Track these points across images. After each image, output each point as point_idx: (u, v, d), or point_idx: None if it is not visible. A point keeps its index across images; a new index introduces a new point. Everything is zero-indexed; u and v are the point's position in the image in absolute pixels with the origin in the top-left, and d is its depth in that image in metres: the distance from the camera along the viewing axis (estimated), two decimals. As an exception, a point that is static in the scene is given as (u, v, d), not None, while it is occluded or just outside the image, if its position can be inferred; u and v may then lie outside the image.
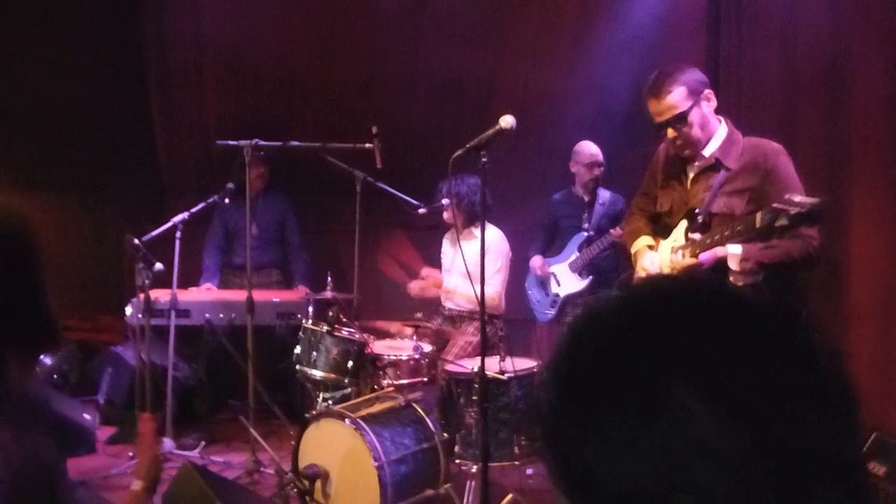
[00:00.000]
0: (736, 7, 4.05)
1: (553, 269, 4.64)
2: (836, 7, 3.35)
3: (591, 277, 4.51)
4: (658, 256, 2.83)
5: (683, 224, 2.72)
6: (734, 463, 0.56)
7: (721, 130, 2.71)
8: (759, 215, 2.31)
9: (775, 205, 2.25)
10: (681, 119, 2.62)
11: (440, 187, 4.20)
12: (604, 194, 4.57)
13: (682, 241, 2.70)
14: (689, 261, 2.56)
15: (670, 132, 2.66)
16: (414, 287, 4.41)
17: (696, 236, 2.58)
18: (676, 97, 2.62)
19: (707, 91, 2.66)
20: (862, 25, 3.19)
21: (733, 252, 2.48)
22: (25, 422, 1.11)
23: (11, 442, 1.07)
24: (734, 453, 0.56)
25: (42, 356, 3.90)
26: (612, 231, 4.31)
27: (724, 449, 0.56)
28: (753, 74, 3.86)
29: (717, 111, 2.73)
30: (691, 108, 2.61)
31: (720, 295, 0.65)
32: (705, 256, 2.52)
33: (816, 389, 0.59)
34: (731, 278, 2.54)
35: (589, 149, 4.58)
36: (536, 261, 4.68)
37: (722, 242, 2.47)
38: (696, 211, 2.65)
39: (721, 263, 2.51)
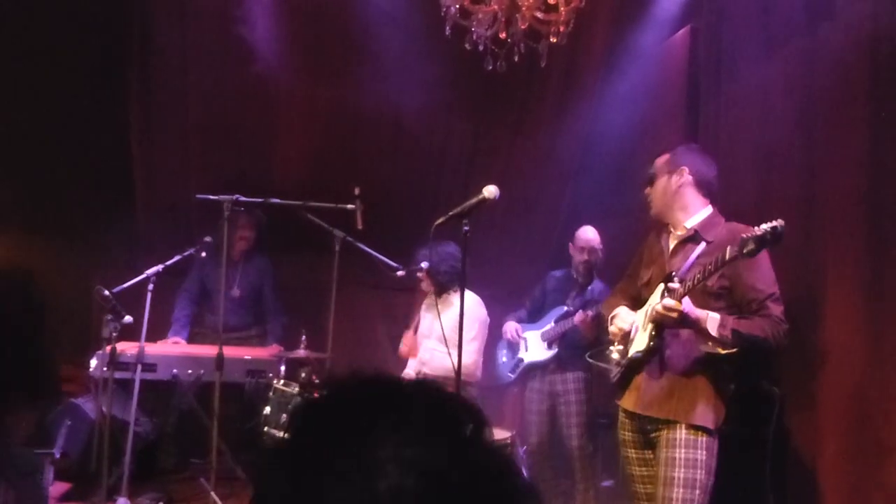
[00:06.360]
0: (715, 92, 4.21)
1: (526, 334, 4.55)
2: (810, 94, 3.49)
3: (556, 350, 4.42)
4: (630, 315, 2.87)
5: (660, 288, 2.71)
6: None
7: (705, 211, 2.82)
8: (728, 249, 2.43)
9: (743, 235, 2.38)
10: (651, 178, 2.95)
11: (419, 251, 4.20)
12: (598, 285, 4.45)
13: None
14: (674, 303, 2.53)
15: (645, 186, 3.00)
16: (403, 349, 4.43)
17: (676, 284, 2.59)
18: (659, 161, 2.97)
19: (681, 168, 2.82)
20: (834, 115, 3.31)
21: (713, 317, 2.55)
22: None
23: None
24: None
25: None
26: (578, 314, 4.24)
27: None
28: (728, 158, 3.98)
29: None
30: (660, 175, 2.89)
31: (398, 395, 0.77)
32: (688, 307, 2.54)
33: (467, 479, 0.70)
34: (710, 344, 2.58)
35: (584, 234, 4.53)
36: (510, 325, 4.58)
37: (697, 283, 2.53)
38: (673, 273, 2.67)
39: (700, 329, 2.57)
